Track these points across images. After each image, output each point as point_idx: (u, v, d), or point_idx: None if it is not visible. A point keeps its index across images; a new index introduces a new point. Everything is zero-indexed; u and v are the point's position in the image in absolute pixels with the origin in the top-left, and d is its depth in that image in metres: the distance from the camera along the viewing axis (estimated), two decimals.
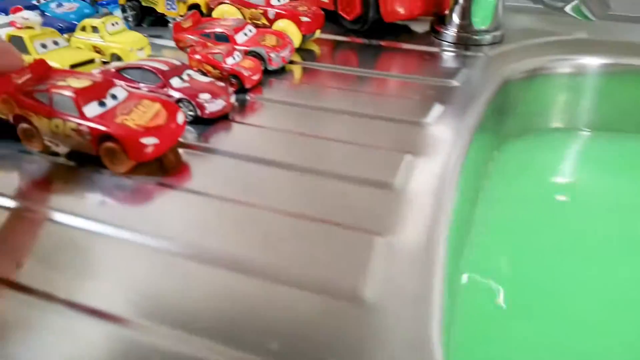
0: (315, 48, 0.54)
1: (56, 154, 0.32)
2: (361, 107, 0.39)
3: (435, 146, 0.34)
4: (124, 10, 0.56)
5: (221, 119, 0.37)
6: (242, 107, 0.40)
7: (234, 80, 0.41)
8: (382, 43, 0.55)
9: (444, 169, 0.32)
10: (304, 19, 0.49)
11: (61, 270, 0.24)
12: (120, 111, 0.30)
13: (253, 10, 0.51)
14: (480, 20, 0.53)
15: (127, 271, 0.24)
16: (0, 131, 0.33)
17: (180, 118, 0.32)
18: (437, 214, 0.27)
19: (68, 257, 0.24)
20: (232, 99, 0.37)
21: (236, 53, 0.42)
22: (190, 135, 0.35)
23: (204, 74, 0.41)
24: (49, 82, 0.31)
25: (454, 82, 0.44)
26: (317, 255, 0.24)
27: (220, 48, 0.41)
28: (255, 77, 0.41)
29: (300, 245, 0.25)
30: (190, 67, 0.38)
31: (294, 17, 0.49)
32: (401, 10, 0.55)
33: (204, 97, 0.35)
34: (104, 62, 0.43)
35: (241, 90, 0.41)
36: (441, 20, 0.55)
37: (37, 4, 0.53)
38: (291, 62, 0.49)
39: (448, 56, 0.51)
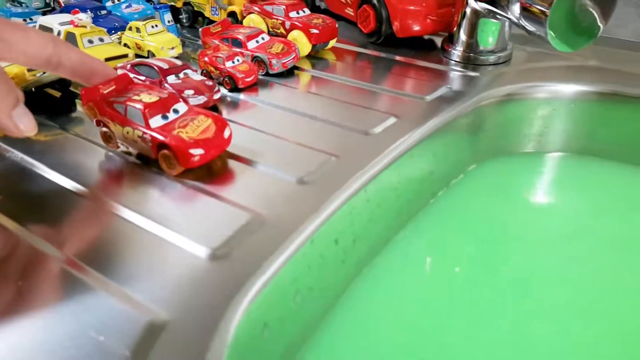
0: (330, 56, 0.60)
1: (129, 154, 0.40)
2: (325, 113, 0.45)
3: (365, 153, 0.39)
4: (179, 13, 0.67)
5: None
6: (234, 104, 0.47)
7: (229, 80, 0.49)
8: (397, 57, 0.60)
9: (353, 174, 0.37)
10: (313, 30, 0.56)
11: (108, 256, 0.30)
12: (178, 124, 0.36)
13: (274, 20, 0.59)
14: (486, 39, 0.56)
15: (160, 267, 0.28)
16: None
17: (227, 133, 0.37)
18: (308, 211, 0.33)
19: (117, 246, 0.31)
20: (216, 96, 0.45)
21: (237, 58, 0.50)
22: None
23: (209, 73, 0.50)
24: (126, 95, 0.37)
25: (427, 98, 0.48)
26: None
27: (223, 53, 0.50)
28: (249, 79, 0.49)
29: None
30: (189, 67, 0.47)
31: (304, 28, 0.56)
32: (414, 27, 0.59)
33: (188, 92, 0.43)
34: (139, 56, 0.53)
35: (236, 89, 0.49)
36: (450, 39, 0.59)
37: (111, 4, 0.65)
38: (299, 69, 0.56)
39: (446, 75, 0.55)
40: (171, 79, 0.45)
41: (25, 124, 0.31)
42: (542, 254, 0.44)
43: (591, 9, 0.45)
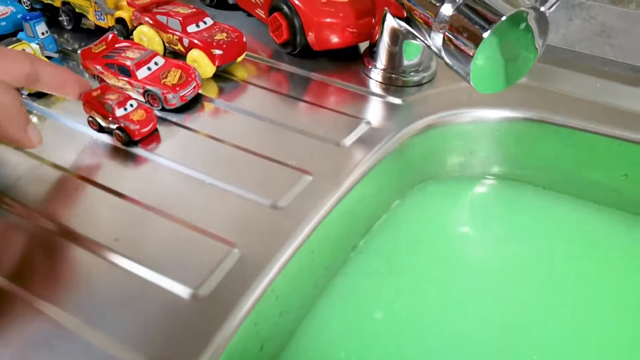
0: (240, 73, 0.53)
1: None
2: (228, 177, 0.39)
3: (273, 238, 0.35)
4: (59, 15, 0.57)
5: None
6: (124, 165, 0.41)
7: (121, 134, 0.41)
8: (314, 74, 0.53)
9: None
10: (216, 51, 0.49)
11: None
12: None
13: (170, 35, 0.51)
14: (408, 58, 0.51)
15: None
16: None
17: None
18: None
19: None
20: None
21: (129, 103, 0.42)
22: None
23: (96, 121, 0.42)
24: None
25: (345, 143, 0.44)
26: None
27: (112, 97, 0.42)
28: (145, 129, 0.42)
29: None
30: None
31: (206, 48, 0.49)
32: (332, 40, 0.53)
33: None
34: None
35: (131, 142, 0.42)
36: (372, 52, 0.53)
37: None
38: (203, 97, 0.49)
39: (365, 103, 0.50)
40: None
41: (35, 137, 0.36)
42: (468, 279, 0.44)
43: (521, 46, 0.41)
